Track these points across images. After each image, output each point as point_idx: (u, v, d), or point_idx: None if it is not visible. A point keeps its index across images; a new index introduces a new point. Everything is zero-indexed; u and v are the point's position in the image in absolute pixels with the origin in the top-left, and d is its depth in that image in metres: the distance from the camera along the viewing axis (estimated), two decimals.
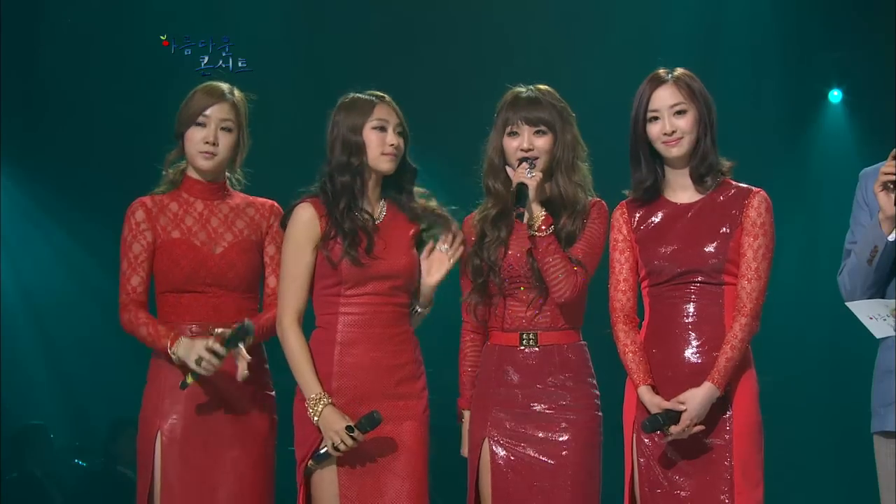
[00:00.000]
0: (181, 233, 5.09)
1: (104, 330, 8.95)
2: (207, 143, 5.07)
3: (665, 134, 4.76)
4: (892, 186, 4.40)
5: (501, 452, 4.89)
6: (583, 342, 4.96)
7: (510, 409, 4.91)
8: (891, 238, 4.42)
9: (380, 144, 4.97)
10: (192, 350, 4.89)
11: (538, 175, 4.86)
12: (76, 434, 9.48)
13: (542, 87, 4.97)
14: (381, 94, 5.04)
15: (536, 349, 4.91)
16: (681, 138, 4.77)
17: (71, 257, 9.44)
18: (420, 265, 5.01)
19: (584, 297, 4.92)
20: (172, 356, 4.95)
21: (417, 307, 5.02)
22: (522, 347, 4.91)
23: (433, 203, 5.06)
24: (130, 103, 8.47)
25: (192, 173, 5.14)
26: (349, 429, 4.79)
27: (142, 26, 8.34)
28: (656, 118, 4.78)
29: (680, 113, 4.77)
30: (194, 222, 5.11)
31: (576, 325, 4.93)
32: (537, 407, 4.88)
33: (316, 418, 4.86)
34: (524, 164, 4.87)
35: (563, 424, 4.86)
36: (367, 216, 4.97)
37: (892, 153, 4.40)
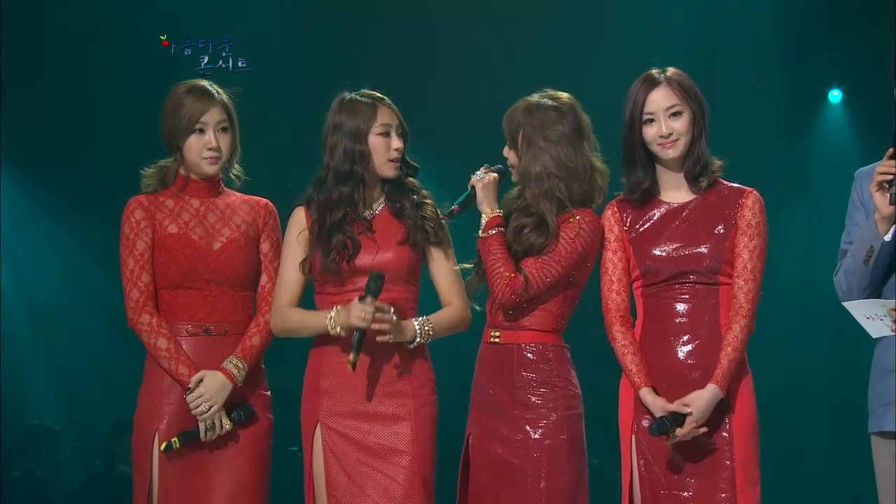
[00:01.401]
0: (178, 228, 5.07)
1: (104, 330, 8.96)
2: (210, 148, 5.05)
3: (661, 136, 4.76)
4: (887, 186, 4.39)
5: (477, 449, 4.89)
6: (559, 344, 4.88)
7: (483, 406, 4.89)
8: (887, 238, 4.41)
9: (385, 151, 4.94)
10: (207, 413, 4.94)
11: (486, 178, 4.86)
12: (76, 434, 9.48)
13: (538, 99, 4.89)
14: (380, 94, 4.99)
15: (500, 346, 4.89)
16: (677, 140, 4.77)
17: (71, 257, 9.43)
18: (415, 257, 4.96)
19: (561, 302, 4.84)
20: (186, 394, 4.97)
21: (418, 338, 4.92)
22: (490, 344, 4.91)
23: (429, 207, 5.00)
24: (130, 103, 8.45)
25: (186, 172, 5.13)
26: (360, 298, 4.76)
27: (142, 26, 8.34)
28: (651, 120, 4.77)
29: (675, 115, 4.76)
30: (191, 218, 5.09)
31: (545, 327, 4.85)
32: (503, 405, 4.84)
33: (338, 329, 4.82)
34: (483, 167, 4.90)
35: (526, 425, 4.81)
36: (361, 222, 4.95)
37: (888, 153, 4.40)
